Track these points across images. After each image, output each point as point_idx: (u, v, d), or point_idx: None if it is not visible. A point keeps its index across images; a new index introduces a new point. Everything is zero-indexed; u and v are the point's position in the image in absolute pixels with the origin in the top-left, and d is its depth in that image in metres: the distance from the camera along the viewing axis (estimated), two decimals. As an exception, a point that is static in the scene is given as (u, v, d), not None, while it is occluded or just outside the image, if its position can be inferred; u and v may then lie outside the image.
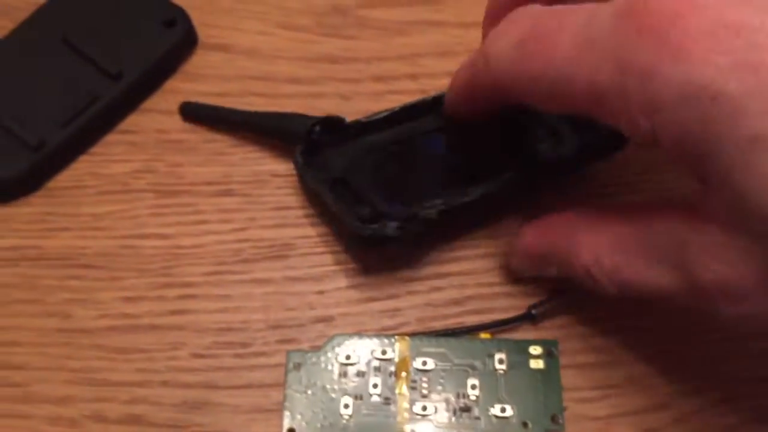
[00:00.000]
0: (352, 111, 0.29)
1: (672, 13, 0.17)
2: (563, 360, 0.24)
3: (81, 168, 0.28)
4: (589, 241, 0.22)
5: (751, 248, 0.17)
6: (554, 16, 0.20)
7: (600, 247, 0.21)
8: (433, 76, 0.30)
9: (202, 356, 0.25)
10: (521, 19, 0.21)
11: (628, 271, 0.21)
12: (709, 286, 0.18)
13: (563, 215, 0.24)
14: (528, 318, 0.25)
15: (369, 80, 0.30)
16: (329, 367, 0.24)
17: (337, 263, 0.27)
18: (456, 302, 0.26)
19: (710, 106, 0.16)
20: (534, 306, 0.25)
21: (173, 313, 0.26)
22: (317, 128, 0.26)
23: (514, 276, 0.26)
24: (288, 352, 0.24)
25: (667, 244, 0.19)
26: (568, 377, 0.24)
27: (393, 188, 0.26)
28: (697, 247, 0.18)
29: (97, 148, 0.29)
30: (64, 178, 0.28)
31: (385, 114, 0.27)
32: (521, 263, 0.25)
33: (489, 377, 0.24)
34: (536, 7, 0.21)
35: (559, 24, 0.19)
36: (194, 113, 0.29)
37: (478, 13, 0.32)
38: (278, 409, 0.24)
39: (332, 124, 0.27)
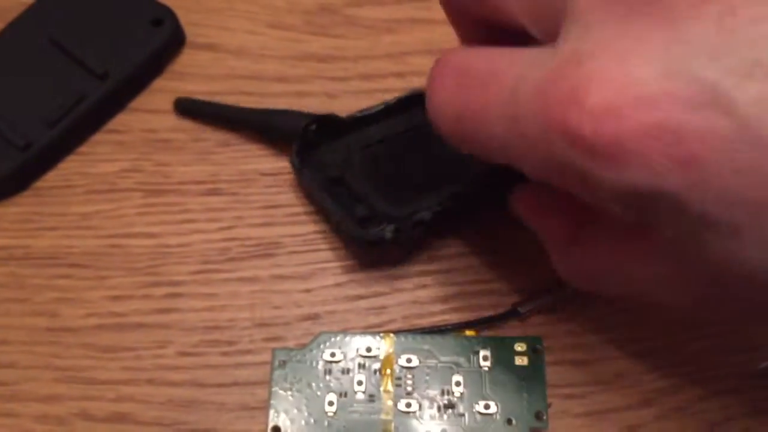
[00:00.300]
0: (340, 109, 0.29)
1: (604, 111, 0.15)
2: (548, 357, 0.24)
3: (68, 168, 0.28)
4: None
5: None
6: (478, 77, 0.19)
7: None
8: (420, 74, 0.30)
9: (188, 354, 0.25)
10: (447, 75, 0.20)
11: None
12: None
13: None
14: (513, 315, 0.25)
15: (356, 79, 0.30)
16: (315, 365, 0.24)
17: (324, 261, 0.27)
18: (442, 299, 0.26)
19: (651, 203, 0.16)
20: (519, 303, 0.25)
21: (160, 311, 0.26)
22: (312, 127, 0.26)
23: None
24: (274, 350, 0.24)
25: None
26: (552, 374, 0.24)
27: (389, 186, 0.26)
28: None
29: (84, 148, 0.29)
30: (51, 178, 0.28)
31: (379, 108, 0.27)
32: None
33: (474, 374, 0.24)
34: (461, 56, 0.20)
35: (483, 92, 0.18)
36: (188, 109, 0.29)
37: (466, 10, 0.32)
38: (264, 407, 0.24)
39: (327, 122, 0.27)
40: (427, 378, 0.24)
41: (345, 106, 0.29)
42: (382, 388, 0.24)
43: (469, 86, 0.19)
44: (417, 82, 0.30)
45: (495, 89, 0.18)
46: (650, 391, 0.24)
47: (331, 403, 0.23)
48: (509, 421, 0.23)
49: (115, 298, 0.26)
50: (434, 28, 0.32)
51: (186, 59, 0.31)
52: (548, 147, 0.16)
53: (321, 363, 0.24)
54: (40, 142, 0.28)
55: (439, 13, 0.32)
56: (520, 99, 0.17)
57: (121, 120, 0.29)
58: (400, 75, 0.30)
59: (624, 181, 0.15)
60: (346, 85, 0.30)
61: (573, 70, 0.16)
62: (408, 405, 0.23)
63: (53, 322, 0.26)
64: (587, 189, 0.16)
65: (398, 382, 0.24)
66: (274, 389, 0.24)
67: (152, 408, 0.24)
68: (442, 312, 0.26)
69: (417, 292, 0.26)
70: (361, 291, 0.26)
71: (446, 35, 0.31)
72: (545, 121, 0.16)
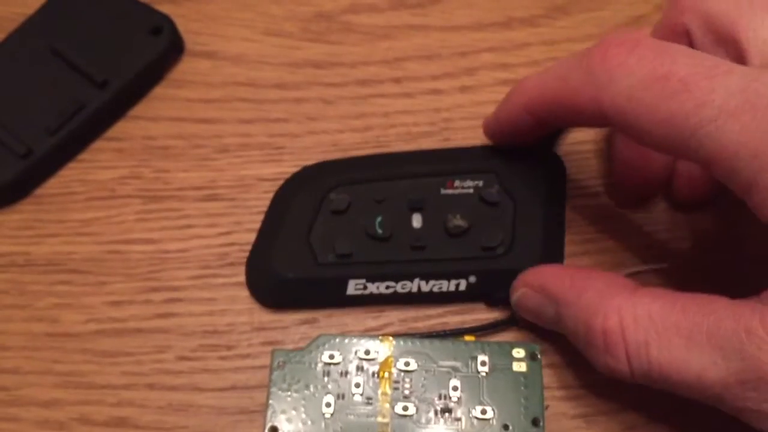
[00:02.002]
0: (335, 114, 0.30)
1: None
2: (545, 359, 0.24)
3: (69, 175, 0.29)
4: (621, 306, 0.20)
5: None
6: (675, 63, 0.19)
7: (635, 316, 0.20)
8: (417, 80, 0.31)
9: (187, 359, 0.25)
10: (643, 54, 0.19)
11: (661, 351, 0.19)
12: None
13: (590, 270, 0.23)
14: (511, 322, 0.25)
15: (353, 84, 0.31)
16: (313, 366, 0.24)
17: (322, 265, 0.27)
18: (440, 304, 0.26)
19: None
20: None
21: (159, 316, 0.26)
22: None
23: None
24: (273, 351, 0.24)
25: (722, 330, 0.18)
26: (549, 376, 0.24)
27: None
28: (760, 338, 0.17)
29: (84, 155, 0.29)
30: (52, 185, 0.29)
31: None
32: (525, 295, 0.24)
33: (471, 379, 0.24)
34: (651, 43, 0.20)
35: (712, 73, 0.18)
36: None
37: (462, 16, 0.32)
38: (261, 411, 0.24)
39: None
40: (425, 382, 0.24)
41: (342, 111, 0.30)
42: (380, 391, 0.24)
43: (666, 61, 0.19)
44: (413, 87, 0.30)
45: (699, 86, 0.19)
46: (645, 393, 0.24)
47: (328, 405, 0.23)
48: (506, 427, 0.23)
49: (115, 303, 0.26)
50: (430, 34, 0.32)
51: (185, 67, 0.31)
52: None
53: (320, 365, 0.24)
54: (40, 150, 0.28)
55: (435, 20, 0.32)
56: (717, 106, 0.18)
57: (120, 127, 0.30)
58: (396, 81, 0.31)
59: None
60: (343, 91, 0.30)
61: None
62: (405, 408, 0.23)
63: (54, 328, 0.26)
64: None
65: (396, 385, 0.24)
66: (272, 390, 0.24)
67: (151, 412, 0.24)
68: (439, 315, 0.26)
69: (415, 295, 0.26)
70: (359, 295, 0.26)
71: (442, 41, 0.32)
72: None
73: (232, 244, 0.27)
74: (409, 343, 0.24)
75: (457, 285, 0.25)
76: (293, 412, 0.23)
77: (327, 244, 0.25)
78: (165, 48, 0.30)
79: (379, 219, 0.25)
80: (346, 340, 0.24)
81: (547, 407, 0.24)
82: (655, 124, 0.19)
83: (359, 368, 0.24)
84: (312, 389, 0.24)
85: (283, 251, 0.26)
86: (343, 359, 0.24)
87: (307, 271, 0.25)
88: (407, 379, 0.24)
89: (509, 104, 0.25)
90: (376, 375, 0.24)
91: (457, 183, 0.26)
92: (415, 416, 0.23)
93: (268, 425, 0.23)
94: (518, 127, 0.25)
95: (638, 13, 0.32)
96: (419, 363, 0.24)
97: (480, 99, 0.30)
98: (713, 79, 0.18)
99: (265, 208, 0.28)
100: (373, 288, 0.25)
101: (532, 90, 0.24)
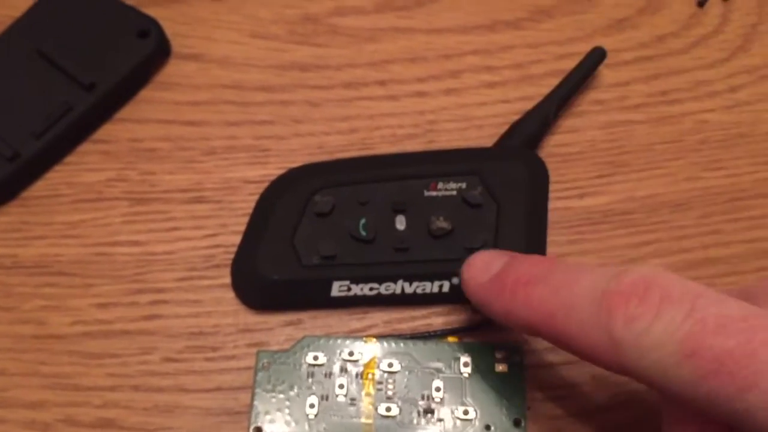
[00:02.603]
0: (321, 117, 0.30)
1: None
2: (528, 359, 0.25)
3: (55, 177, 0.29)
4: None
5: None
6: (706, 327, 0.17)
7: None
8: (402, 82, 0.31)
9: (173, 360, 0.25)
10: (670, 318, 0.17)
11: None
12: None
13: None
14: (494, 324, 0.25)
15: (339, 87, 0.31)
16: (298, 368, 0.24)
17: (307, 267, 0.27)
18: (423, 305, 0.26)
19: None
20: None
21: (145, 318, 0.26)
22: None
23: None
24: (258, 352, 0.25)
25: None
26: (531, 376, 0.24)
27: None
28: None
29: (71, 158, 0.29)
30: (39, 188, 0.29)
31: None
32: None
33: (454, 380, 0.24)
34: (676, 296, 0.17)
35: (751, 349, 0.16)
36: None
37: (447, 19, 0.33)
38: (247, 412, 0.24)
39: None
40: (408, 383, 0.24)
41: (327, 114, 0.30)
42: (363, 392, 0.24)
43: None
44: (398, 90, 0.31)
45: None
46: (628, 393, 0.24)
47: (312, 406, 0.24)
48: (488, 427, 0.23)
49: (101, 305, 0.26)
50: (415, 37, 0.32)
51: (171, 69, 0.31)
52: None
53: (304, 366, 0.24)
54: (27, 153, 0.28)
55: (420, 23, 0.33)
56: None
57: (107, 130, 0.30)
58: (382, 83, 0.31)
59: None
60: (329, 94, 0.31)
61: None
62: (388, 409, 0.24)
63: (40, 330, 0.26)
64: None
65: (379, 386, 0.24)
66: (257, 391, 0.24)
67: (137, 413, 0.25)
68: (423, 317, 0.26)
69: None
70: (344, 296, 0.26)
71: (427, 44, 0.32)
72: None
73: (218, 246, 0.27)
74: (393, 345, 0.25)
75: (440, 286, 0.25)
76: (278, 413, 0.24)
77: (311, 245, 0.26)
78: (152, 51, 0.30)
79: (362, 221, 0.26)
80: (331, 342, 0.25)
81: (529, 408, 0.24)
82: (698, 403, 0.17)
83: (343, 369, 0.24)
84: (296, 390, 0.24)
85: (268, 253, 0.26)
86: (328, 360, 0.24)
87: (291, 272, 0.25)
88: (390, 380, 0.24)
89: (508, 304, 0.21)
90: (360, 376, 0.24)
91: (440, 185, 0.26)
92: (398, 417, 0.24)
93: (253, 426, 0.23)
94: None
95: (621, 16, 0.33)
96: (403, 364, 0.24)
97: (464, 101, 0.30)
98: (755, 357, 0.16)
99: (251, 211, 0.28)
100: (357, 289, 0.25)
101: (539, 317, 0.20)
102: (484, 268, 0.22)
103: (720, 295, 0.17)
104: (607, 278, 0.18)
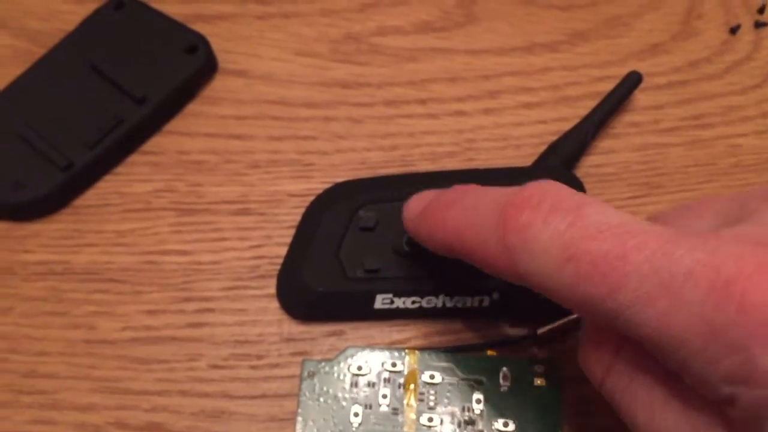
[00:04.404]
0: (363, 133, 0.31)
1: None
2: (565, 372, 0.25)
3: (106, 187, 0.30)
4: None
5: None
6: (585, 234, 0.17)
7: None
8: (441, 101, 0.32)
9: (219, 367, 0.26)
10: (554, 223, 0.18)
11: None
12: None
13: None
14: (533, 338, 0.26)
15: (380, 104, 0.32)
16: (341, 377, 0.25)
17: (349, 279, 0.28)
18: (462, 319, 0.27)
19: None
20: (539, 327, 0.26)
21: (192, 325, 0.27)
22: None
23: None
24: (303, 361, 0.25)
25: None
26: (569, 390, 0.25)
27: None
28: None
29: (121, 168, 0.30)
30: (90, 197, 0.30)
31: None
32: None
33: (493, 393, 0.25)
34: (560, 202, 0.18)
35: (622, 252, 0.17)
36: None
37: (485, 40, 0.34)
38: (291, 419, 0.25)
39: None
40: (449, 394, 0.25)
41: (369, 130, 0.31)
42: (405, 402, 0.25)
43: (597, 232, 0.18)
44: (438, 108, 0.32)
45: (635, 244, 0.17)
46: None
47: (356, 415, 0.24)
48: (527, 439, 0.24)
49: (150, 312, 0.27)
50: (454, 57, 0.33)
51: (218, 85, 0.32)
52: (710, 315, 0.16)
53: (348, 375, 0.25)
54: (80, 163, 0.29)
55: (459, 43, 0.34)
56: (688, 281, 0.16)
57: (156, 142, 0.31)
58: (422, 101, 0.32)
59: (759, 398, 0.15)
60: (371, 111, 0.32)
61: None
62: (430, 420, 0.24)
63: (91, 335, 0.27)
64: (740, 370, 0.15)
65: (421, 397, 0.25)
66: (302, 398, 0.25)
67: (184, 418, 0.25)
68: (462, 330, 0.27)
69: (438, 310, 0.27)
70: (385, 308, 0.27)
71: (466, 64, 0.33)
72: (712, 292, 0.16)
73: (263, 257, 0.28)
74: (434, 356, 0.25)
75: (481, 301, 0.26)
76: (322, 421, 0.24)
77: (356, 259, 0.26)
78: (200, 66, 0.31)
79: (406, 236, 0.26)
80: (374, 352, 0.25)
81: (565, 424, 0.24)
82: (576, 304, 0.18)
83: (386, 380, 0.25)
84: (340, 399, 0.25)
85: (314, 266, 0.27)
86: (371, 370, 0.25)
87: (336, 285, 0.26)
88: (432, 392, 0.25)
89: (430, 229, 0.23)
90: (401, 386, 0.25)
91: None
92: (439, 428, 0.24)
93: (299, 433, 0.24)
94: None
95: (655, 41, 0.34)
96: (443, 376, 0.25)
97: (502, 121, 0.31)
98: (625, 259, 0.16)
99: (294, 223, 0.29)
100: (400, 302, 0.26)
101: (451, 235, 0.22)
102: (417, 205, 0.24)
103: (604, 206, 0.18)
104: (508, 194, 0.20)
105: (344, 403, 0.25)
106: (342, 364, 0.25)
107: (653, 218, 0.21)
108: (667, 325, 0.16)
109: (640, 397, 0.18)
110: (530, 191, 0.19)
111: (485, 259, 0.20)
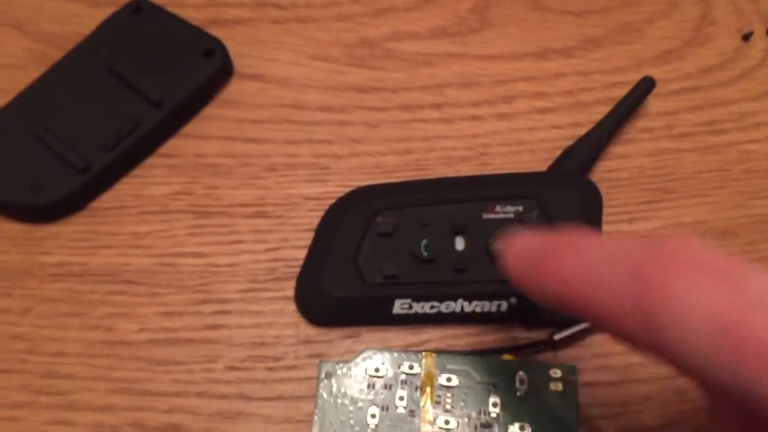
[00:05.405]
0: (378, 137, 0.31)
1: None
2: (581, 378, 0.25)
3: (123, 189, 0.30)
4: None
5: None
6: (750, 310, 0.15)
7: None
8: (456, 106, 0.32)
9: (236, 369, 0.26)
10: (712, 296, 0.15)
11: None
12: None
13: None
14: (549, 343, 0.26)
15: (395, 109, 0.32)
16: (359, 379, 0.25)
17: (365, 282, 0.28)
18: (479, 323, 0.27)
19: None
20: (556, 332, 0.26)
21: (209, 327, 0.27)
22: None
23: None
24: (321, 362, 0.25)
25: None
26: (584, 394, 0.25)
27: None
28: None
29: (138, 171, 0.30)
30: (107, 199, 0.30)
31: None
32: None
33: (510, 397, 0.25)
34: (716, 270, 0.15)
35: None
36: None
37: (499, 46, 0.34)
38: (308, 420, 0.25)
39: None
40: (465, 397, 0.25)
41: (384, 135, 0.31)
42: (422, 405, 0.25)
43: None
44: (452, 113, 0.32)
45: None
46: (681, 413, 0.25)
47: (373, 416, 0.24)
48: (543, 442, 0.24)
49: (167, 314, 0.27)
50: (469, 63, 0.33)
51: (234, 88, 0.32)
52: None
53: (365, 377, 0.25)
54: (97, 166, 0.29)
55: (473, 49, 0.34)
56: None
57: (173, 145, 0.31)
58: (437, 106, 0.32)
59: None
60: (386, 115, 0.32)
61: None
62: (446, 422, 0.24)
63: (108, 336, 0.27)
64: None
65: (437, 399, 0.25)
66: (319, 400, 0.25)
67: (202, 419, 0.25)
68: (477, 334, 0.27)
69: (454, 313, 0.27)
70: (400, 311, 0.27)
71: (481, 69, 0.33)
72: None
73: (279, 259, 0.28)
74: (451, 359, 0.26)
75: (499, 306, 0.26)
76: (339, 422, 0.24)
77: (374, 264, 0.27)
78: (216, 70, 0.32)
79: (424, 242, 0.26)
80: (391, 355, 0.26)
81: (581, 428, 0.25)
82: (723, 384, 0.15)
83: (403, 382, 0.25)
84: (357, 401, 0.25)
85: (332, 271, 0.27)
86: (388, 373, 0.25)
87: (355, 290, 0.26)
88: (449, 394, 0.25)
89: (541, 279, 0.20)
90: (418, 389, 0.25)
91: (498, 208, 0.27)
92: (455, 430, 0.24)
93: (317, 434, 0.24)
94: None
95: (668, 48, 0.34)
96: (460, 379, 0.25)
97: (517, 126, 0.32)
98: None
99: (310, 226, 0.29)
100: (418, 307, 0.26)
101: (570, 289, 0.19)
102: (521, 249, 0.21)
103: (763, 272, 0.15)
104: (641, 247, 0.17)
105: (361, 405, 0.25)
106: (359, 366, 0.25)
107: None
108: None
109: None
110: (672, 247, 0.16)
111: (612, 319, 0.17)
